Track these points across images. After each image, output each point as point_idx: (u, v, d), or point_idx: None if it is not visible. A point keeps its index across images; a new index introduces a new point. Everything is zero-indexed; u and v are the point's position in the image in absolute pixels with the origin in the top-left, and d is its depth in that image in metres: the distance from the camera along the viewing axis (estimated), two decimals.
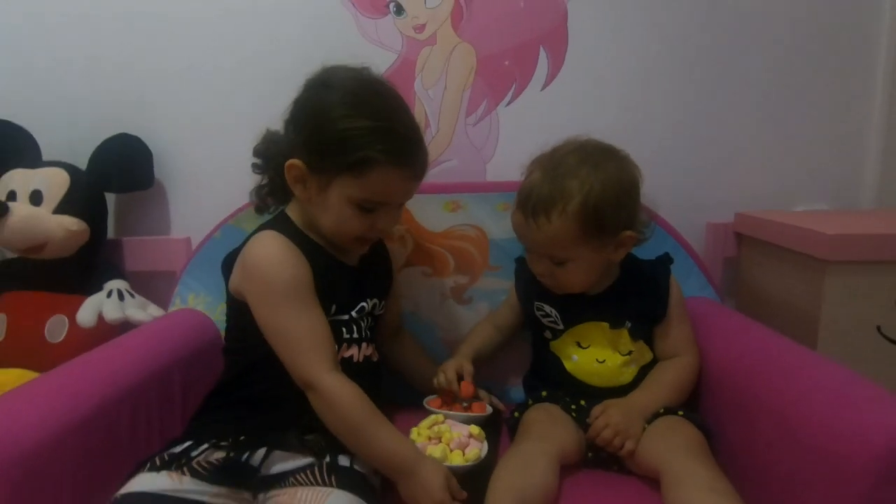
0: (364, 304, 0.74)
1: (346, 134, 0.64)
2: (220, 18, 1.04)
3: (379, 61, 1.04)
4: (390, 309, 0.84)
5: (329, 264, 0.71)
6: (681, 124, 1.06)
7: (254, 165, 0.79)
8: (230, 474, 0.63)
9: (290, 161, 0.68)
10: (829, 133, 1.06)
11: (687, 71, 1.04)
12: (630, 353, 0.78)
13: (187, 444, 0.65)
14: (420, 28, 1.04)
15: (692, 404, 0.77)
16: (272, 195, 0.78)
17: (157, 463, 0.63)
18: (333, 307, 0.70)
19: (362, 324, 0.75)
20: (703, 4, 1.02)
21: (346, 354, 0.72)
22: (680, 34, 1.03)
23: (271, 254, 0.67)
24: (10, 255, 1.01)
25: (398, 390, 0.93)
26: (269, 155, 0.76)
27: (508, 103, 1.06)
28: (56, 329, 0.96)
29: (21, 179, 0.97)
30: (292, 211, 0.74)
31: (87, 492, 0.62)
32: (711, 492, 0.57)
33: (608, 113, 1.05)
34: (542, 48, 1.04)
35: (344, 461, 0.65)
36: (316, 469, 0.63)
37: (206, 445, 0.64)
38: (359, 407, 0.64)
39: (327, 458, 0.64)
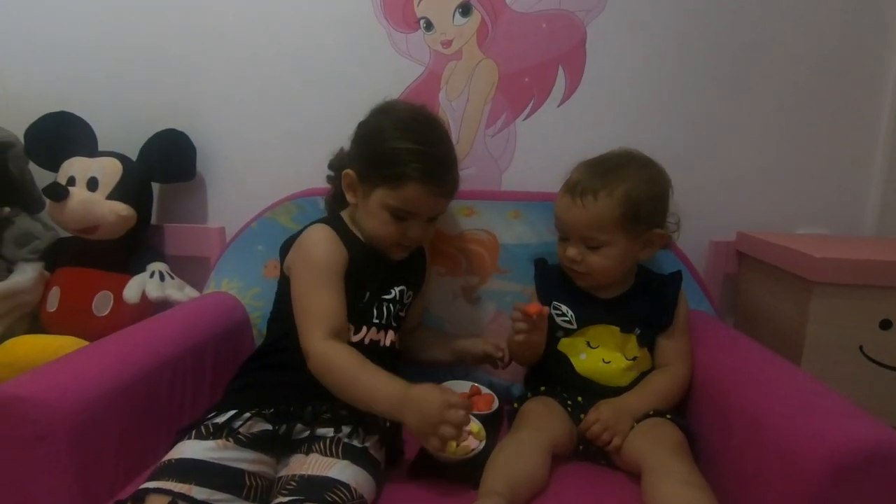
0: (395, 291, 0.84)
1: (392, 152, 0.78)
2: (262, 26, 1.13)
3: (407, 73, 1.12)
4: (416, 305, 0.93)
5: (367, 255, 0.82)
6: (690, 145, 1.11)
7: (327, 177, 0.94)
8: (267, 443, 0.70)
9: (346, 170, 0.83)
10: (833, 159, 1.10)
11: (699, 95, 1.09)
12: (635, 358, 0.83)
13: (231, 413, 0.70)
14: (447, 44, 1.11)
15: (680, 409, 0.82)
16: (335, 202, 0.93)
17: (203, 432, 0.68)
18: (367, 294, 0.81)
19: (392, 308, 0.84)
20: (713, 34, 1.07)
21: (375, 338, 0.81)
22: (691, 60, 1.08)
23: (316, 238, 0.81)
24: (64, 234, 1.11)
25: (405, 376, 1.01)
26: (336, 168, 0.91)
27: (526, 117, 1.12)
28: (102, 303, 1.05)
29: (80, 167, 1.07)
30: (345, 213, 0.88)
31: (131, 445, 0.71)
32: (685, 485, 0.63)
33: (620, 130, 1.10)
34: (560, 67, 1.10)
35: (356, 441, 0.71)
36: (329, 441, 0.70)
37: (248, 415, 0.70)
38: (346, 360, 0.71)
39: (342, 432, 0.71)
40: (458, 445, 0.72)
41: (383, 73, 1.12)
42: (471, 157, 1.14)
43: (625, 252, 0.81)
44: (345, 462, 0.67)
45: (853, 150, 1.09)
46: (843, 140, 1.09)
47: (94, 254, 1.07)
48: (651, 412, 0.77)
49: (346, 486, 0.63)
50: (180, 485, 0.60)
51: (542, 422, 0.76)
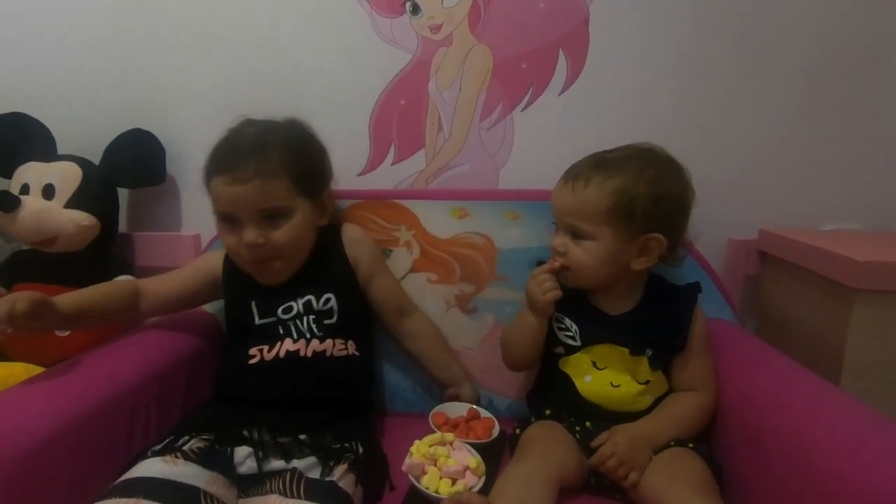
0: (297, 304, 0.79)
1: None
2: (233, 13, 1.03)
3: (393, 61, 1.03)
4: (378, 296, 0.86)
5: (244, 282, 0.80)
6: (705, 133, 1.01)
7: None
8: (223, 463, 0.66)
9: None
10: (862, 148, 1.00)
11: (713, 78, 0.99)
12: (648, 382, 0.75)
13: (173, 436, 0.68)
14: (436, 28, 1.01)
15: (704, 434, 0.73)
16: None
17: (150, 453, 0.65)
18: (256, 314, 0.79)
19: (307, 320, 0.78)
20: (732, 12, 0.97)
21: (292, 348, 0.77)
22: (704, 39, 0.98)
23: None
24: (24, 246, 1.03)
25: (397, 398, 0.93)
26: None
27: (524, 108, 1.03)
28: None
29: (35, 173, 0.98)
30: None
31: (83, 489, 0.63)
32: None
33: (628, 120, 1.01)
34: (561, 51, 1.00)
35: (314, 474, 0.65)
36: (289, 477, 0.63)
37: (187, 436, 0.67)
38: None
39: (298, 467, 0.65)
40: (454, 484, 0.64)
41: (366, 62, 1.03)
42: (464, 152, 1.05)
43: (609, 252, 0.72)
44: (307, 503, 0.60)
45: (885, 138, 0.99)
46: (873, 127, 0.99)
47: (55, 268, 0.99)
48: (671, 442, 0.68)
49: None
50: (125, 500, 0.56)
51: (548, 451, 0.68)
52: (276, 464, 0.66)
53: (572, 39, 1.00)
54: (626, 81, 1.00)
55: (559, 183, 0.77)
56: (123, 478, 0.62)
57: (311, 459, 0.66)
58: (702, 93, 1.00)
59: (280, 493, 0.61)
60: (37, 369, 0.84)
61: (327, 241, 0.84)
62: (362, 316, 0.86)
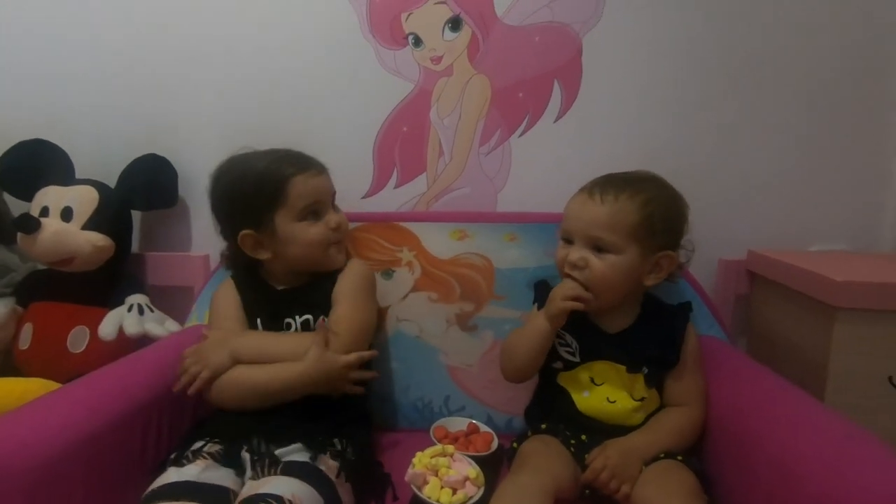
0: (291, 321, 0.82)
1: (259, 180, 0.81)
2: (244, 45, 1.09)
3: (396, 90, 1.08)
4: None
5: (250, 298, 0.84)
6: (696, 159, 1.05)
7: (225, 256, 0.92)
8: (231, 463, 0.70)
9: (240, 233, 0.82)
10: (848, 170, 1.04)
11: (703, 106, 1.04)
12: (643, 399, 0.77)
13: (190, 442, 0.73)
14: (437, 59, 1.07)
15: (693, 447, 0.76)
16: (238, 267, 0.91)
17: (175, 458, 0.69)
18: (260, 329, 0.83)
19: None
20: (722, 41, 1.02)
21: None
22: (694, 70, 1.03)
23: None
24: (40, 266, 1.06)
25: (399, 415, 0.95)
26: (229, 242, 0.88)
27: (521, 134, 1.08)
28: (78, 339, 1.00)
29: (54, 196, 1.02)
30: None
31: (101, 499, 0.65)
32: None
33: (621, 145, 1.06)
34: (556, 81, 1.06)
35: (298, 458, 0.69)
36: (269, 461, 0.68)
37: (202, 442, 0.72)
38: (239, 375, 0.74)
39: (279, 454, 0.69)
40: (454, 493, 0.67)
41: (371, 91, 1.08)
42: (464, 176, 1.09)
43: (631, 267, 0.74)
44: (282, 477, 0.65)
45: (869, 161, 1.04)
46: (858, 150, 1.04)
47: (71, 287, 1.03)
48: (661, 455, 0.71)
49: (279, 497, 0.60)
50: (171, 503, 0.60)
51: (544, 464, 0.70)
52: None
53: (566, 70, 1.05)
54: (617, 109, 1.05)
55: (580, 196, 0.77)
56: (159, 483, 0.65)
57: (297, 445, 0.70)
58: (692, 120, 1.05)
59: (260, 475, 0.66)
60: (53, 385, 0.86)
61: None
62: None
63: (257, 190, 0.80)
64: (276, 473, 0.66)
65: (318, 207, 0.82)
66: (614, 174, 0.79)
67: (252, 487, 0.64)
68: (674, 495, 0.63)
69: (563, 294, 0.75)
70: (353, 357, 0.75)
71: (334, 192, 0.86)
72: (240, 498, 0.63)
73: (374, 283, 0.89)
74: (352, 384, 0.77)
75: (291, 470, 0.66)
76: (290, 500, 0.60)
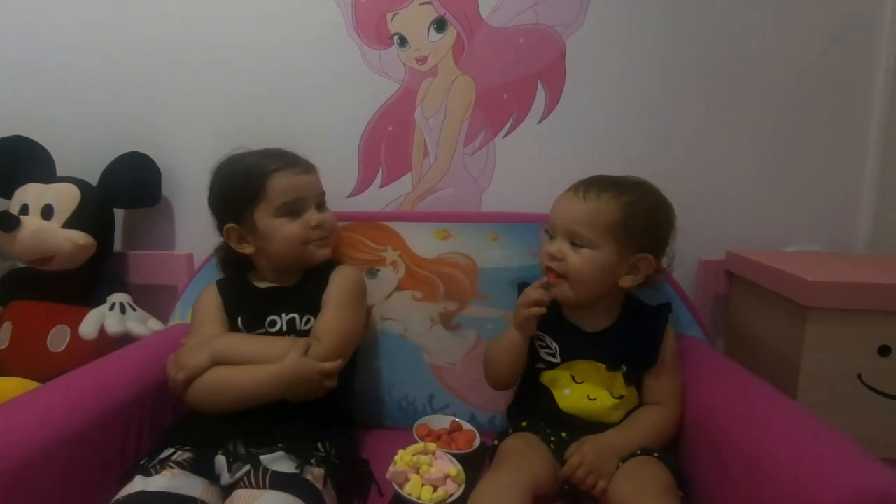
0: (280, 320, 0.82)
1: (245, 173, 0.83)
2: (229, 42, 1.09)
3: (382, 90, 1.08)
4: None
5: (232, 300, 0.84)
6: (676, 161, 1.07)
7: (219, 253, 0.94)
8: (212, 473, 0.68)
9: (225, 227, 0.84)
10: (822, 173, 1.07)
11: (683, 109, 1.06)
12: (622, 397, 0.79)
13: (161, 450, 0.71)
14: (422, 60, 1.07)
15: (670, 444, 0.77)
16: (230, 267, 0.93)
17: (143, 466, 0.67)
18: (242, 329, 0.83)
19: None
20: (701, 45, 1.04)
21: None
22: (674, 74, 1.05)
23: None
24: (19, 264, 1.05)
25: (382, 414, 0.96)
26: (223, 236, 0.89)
27: (506, 135, 1.09)
28: (58, 339, 1.00)
29: (34, 194, 1.01)
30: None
31: (77, 502, 0.65)
32: None
33: (603, 147, 1.07)
34: (539, 82, 1.07)
35: (285, 468, 0.67)
36: (252, 473, 0.66)
37: (172, 449, 0.70)
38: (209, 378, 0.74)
39: (265, 462, 0.68)
40: (435, 490, 0.67)
41: (357, 91, 1.08)
42: (449, 176, 1.10)
43: (607, 264, 0.76)
44: (272, 492, 0.63)
45: (843, 164, 1.06)
46: (832, 154, 1.06)
47: (51, 285, 1.02)
48: (638, 451, 0.72)
49: None
50: None
51: (524, 461, 0.72)
52: (247, 468, 0.68)
53: (550, 72, 1.06)
54: (600, 111, 1.07)
55: (567, 193, 0.80)
56: (125, 493, 0.63)
57: (280, 454, 0.68)
58: (673, 122, 1.06)
59: (247, 486, 0.64)
60: (32, 384, 0.86)
61: (322, 268, 0.87)
62: None
63: (240, 184, 0.82)
64: (258, 478, 0.65)
65: (299, 205, 0.83)
66: (605, 175, 0.81)
67: (237, 497, 0.63)
68: (648, 491, 0.65)
69: (523, 303, 0.77)
70: (331, 366, 0.74)
71: (322, 192, 0.87)
72: None
73: (364, 289, 0.89)
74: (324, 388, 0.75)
75: (279, 483, 0.65)
76: None
